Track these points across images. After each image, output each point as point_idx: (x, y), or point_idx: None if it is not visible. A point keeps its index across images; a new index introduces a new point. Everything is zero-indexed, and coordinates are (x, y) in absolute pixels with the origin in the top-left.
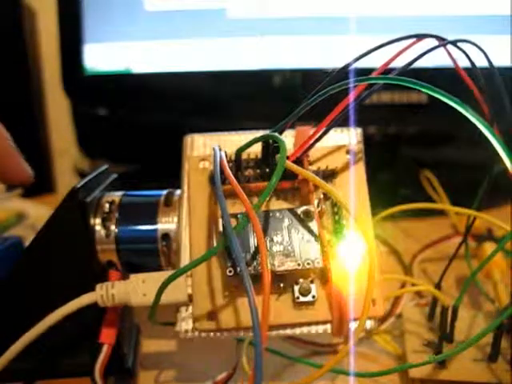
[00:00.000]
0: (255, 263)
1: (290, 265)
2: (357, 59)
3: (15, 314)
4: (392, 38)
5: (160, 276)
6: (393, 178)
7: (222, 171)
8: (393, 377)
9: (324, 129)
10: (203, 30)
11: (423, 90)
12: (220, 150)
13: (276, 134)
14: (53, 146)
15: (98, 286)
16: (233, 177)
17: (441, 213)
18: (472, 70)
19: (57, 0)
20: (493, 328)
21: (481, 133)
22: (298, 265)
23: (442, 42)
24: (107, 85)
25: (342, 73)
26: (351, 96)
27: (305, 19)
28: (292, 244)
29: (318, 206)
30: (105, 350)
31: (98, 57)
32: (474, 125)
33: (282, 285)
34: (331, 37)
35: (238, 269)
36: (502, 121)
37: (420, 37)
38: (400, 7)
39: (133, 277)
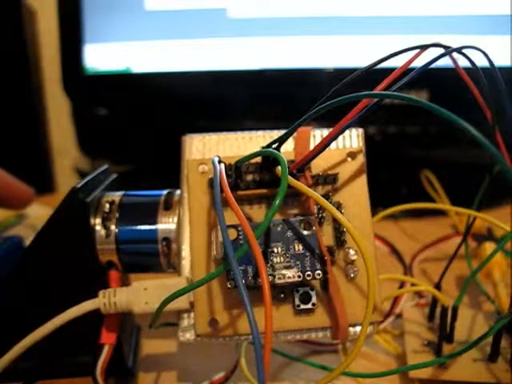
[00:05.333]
0: (256, 276)
1: (290, 277)
2: (359, 74)
3: (15, 313)
4: (394, 51)
5: (162, 284)
6: (393, 178)
7: (222, 189)
8: (393, 377)
9: (324, 144)
10: (203, 30)
11: (420, 105)
12: (219, 161)
13: (275, 151)
14: (53, 145)
15: (101, 293)
16: (233, 198)
17: (441, 213)
18: (475, 74)
19: (57, 0)
20: (496, 330)
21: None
22: (299, 277)
23: (447, 49)
24: (107, 85)
25: (347, 83)
26: (353, 113)
27: (304, 19)
28: (292, 255)
29: (318, 212)
30: (106, 350)
31: (98, 57)
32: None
33: (282, 295)
34: (331, 37)
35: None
36: (502, 121)
37: (424, 47)
38: (400, 7)
39: (135, 284)
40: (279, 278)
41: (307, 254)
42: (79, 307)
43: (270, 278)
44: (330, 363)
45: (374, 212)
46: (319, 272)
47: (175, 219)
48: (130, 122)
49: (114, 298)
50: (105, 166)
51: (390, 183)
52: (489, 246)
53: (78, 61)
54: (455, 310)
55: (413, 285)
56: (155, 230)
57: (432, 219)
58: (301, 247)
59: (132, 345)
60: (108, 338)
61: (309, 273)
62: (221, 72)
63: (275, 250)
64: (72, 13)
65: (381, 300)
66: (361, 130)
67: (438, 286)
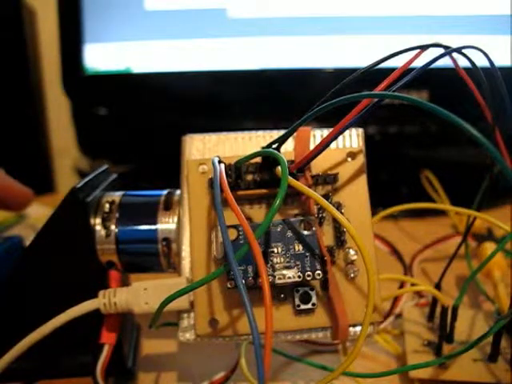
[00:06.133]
0: (256, 277)
1: (290, 277)
2: (359, 74)
3: (15, 313)
4: (394, 51)
5: (162, 284)
6: (393, 178)
7: (222, 189)
8: (393, 377)
9: (324, 144)
10: (203, 30)
11: (420, 106)
12: (219, 161)
13: (275, 151)
14: (53, 145)
15: (101, 294)
16: (232, 198)
17: (441, 213)
18: (475, 74)
19: (57, 0)
20: (496, 330)
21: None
22: (299, 277)
23: (447, 49)
24: (107, 85)
25: (346, 84)
26: (353, 113)
27: (305, 19)
28: (292, 256)
29: (318, 212)
30: (106, 350)
31: (98, 57)
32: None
33: (282, 295)
34: (331, 37)
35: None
36: (502, 121)
37: (424, 48)
38: (400, 7)
39: (135, 284)
40: (279, 278)
41: (307, 254)
42: (79, 307)
43: (270, 278)
44: (330, 363)
45: (373, 212)
46: (319, 272)
47: (175, 219)
48: (129, 121)
49: (114, 298)
50: (105, 166)
51: (390, 183)
52: (489, 246)
53: (78, 61)
54: (455, 310)
55: (413, 285)
56: (155, 230)
57: (432, 219)
58: (301, 247)
59: (132, 345)
60: (108, 338)
61: (309, 273)
62: (221, 72)
63: (275, 250)
64: (72, 13)
65: (381, 300)
66: (361, 130)
67: (437, 286)
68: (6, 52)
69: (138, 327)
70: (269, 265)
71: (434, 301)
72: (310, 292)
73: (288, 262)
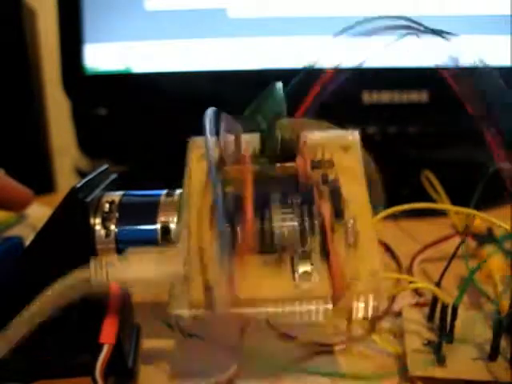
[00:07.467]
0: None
1: (287, 226)
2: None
3: (15, 314)
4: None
5: (156, 253)
6: (393, 178)
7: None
8: (393, 377)
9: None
10: (203, 30)
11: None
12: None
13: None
14: (53, 145)
15: (92, 262)
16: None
17: (441, 213)
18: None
19: (57, 0)
20: (495, 330)
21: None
22: (297, 225)
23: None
24: (107, 85)
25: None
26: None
27: (305, 19)
28: (290, 209)
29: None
30: (105, 349)
31: (98, 57)
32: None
33: (279, 256)
34: (331, 37)
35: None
36: (499, 121)
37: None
38: (400, 7)
39: (129, 253)
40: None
41: (304, 206)
42: (71, 277)
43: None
44: (328, 363)
45: (373, 212)
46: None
47: (175, 219)
48: (130, 121)
49: (105, 268)
50: (105, 166)
51: (390, 183)
52: (489, 246)
53: (78, 61)
54: (455, 309)
55: (411, 283)
56: (155, 230)
57: (432, 219)
58: (299, 201)
59: (132, 344)
60: (108, 338)
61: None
62: (221, 72)
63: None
64: (72, 13)
65: (380, 265)
66: (356, 132)
67: (437, 286)
68: (5, 52)
69: (138, 327)
70: (266, 217)
71: (434, 300)
72: (308, 260)
73: (285, 214)
